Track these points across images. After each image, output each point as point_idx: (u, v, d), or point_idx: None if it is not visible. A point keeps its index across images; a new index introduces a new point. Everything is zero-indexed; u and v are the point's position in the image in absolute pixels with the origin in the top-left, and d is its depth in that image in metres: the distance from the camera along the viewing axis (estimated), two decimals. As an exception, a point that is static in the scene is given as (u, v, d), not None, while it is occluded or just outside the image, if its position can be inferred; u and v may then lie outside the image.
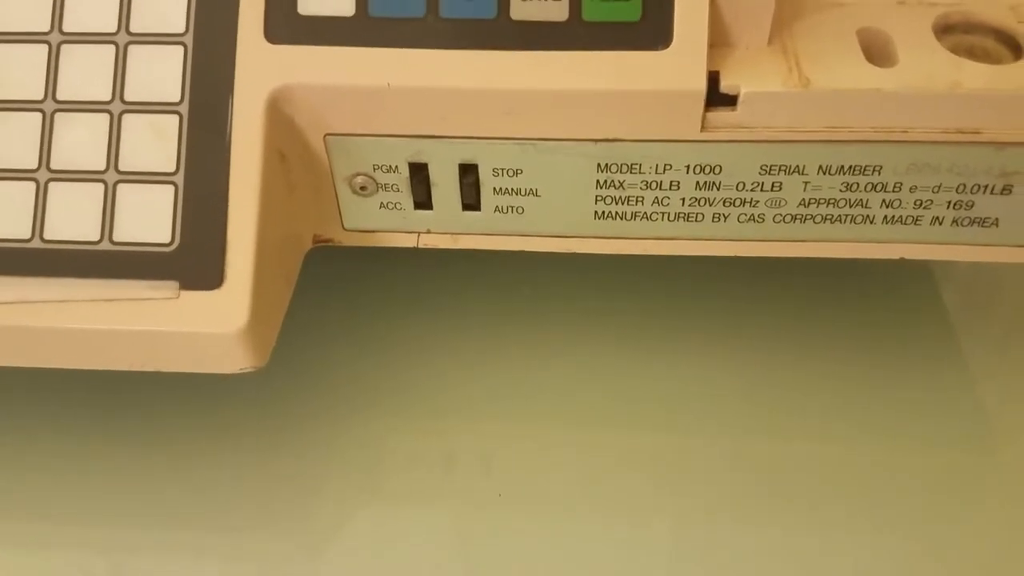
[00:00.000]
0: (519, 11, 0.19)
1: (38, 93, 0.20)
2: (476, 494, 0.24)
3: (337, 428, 0.25)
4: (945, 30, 0.21)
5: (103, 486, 0.24)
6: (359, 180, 0.21)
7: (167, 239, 0.19)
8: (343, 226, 0.22)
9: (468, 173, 0.21)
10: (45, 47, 0.20)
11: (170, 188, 0.19)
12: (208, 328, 0.19)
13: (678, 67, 0.19)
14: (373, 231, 0.23)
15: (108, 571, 0.22)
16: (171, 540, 0.23)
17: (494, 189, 0.21)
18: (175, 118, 0.20)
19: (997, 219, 0.21)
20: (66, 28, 0.20)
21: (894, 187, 0.21)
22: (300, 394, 0.26)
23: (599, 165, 0.21)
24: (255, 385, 0.25)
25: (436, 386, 0.26)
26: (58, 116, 0.20)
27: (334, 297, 0.28)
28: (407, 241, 0.23)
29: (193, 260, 0.19)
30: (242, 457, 0.24)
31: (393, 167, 0.21)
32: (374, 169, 0.21)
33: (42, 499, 0.24)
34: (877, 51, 0.20)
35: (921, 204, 0.21)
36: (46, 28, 0.20)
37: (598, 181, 0.21)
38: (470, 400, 0.26)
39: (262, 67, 0.20)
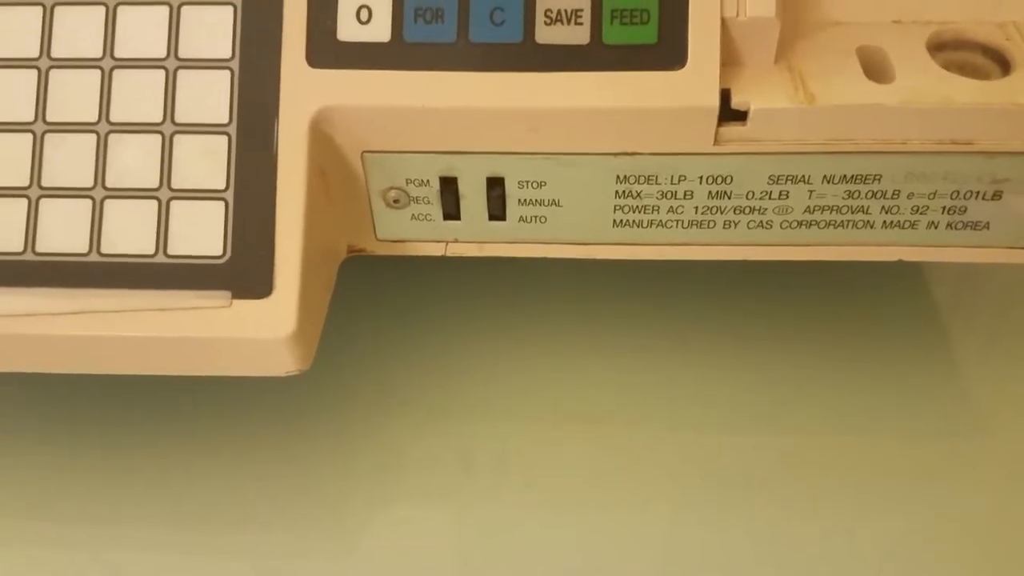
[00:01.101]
0: (543, 35, 0.21)
1: (93, 116, 0.21)
2: (494, 490, 0.24)
3: (360, 429, 0.26)
4: (938, 47, 0.22)
5: (130, 489, 0.25)
6: (392, 193, 0.23)
7: (219, 252, 0.21)
8: (376, 236, 0.24)
9: (495, 186, 0.22)
10: (98, 72, 0.21)
11: (221, 204, 0.21)
12: (259, 334, 0.20)
13: (692, 86, 0.20)
14: (404, 241, 0.24)
15: (138, 571, 0.23)
16: (200, 541, 0.24)
17: (519, 200, 0.23)
18: (224, 139, 0.21)
19: (988, 223, 0.22)
20: (118, 54, 0.21)
21: (893, 194, 0.22)
22: (323, 397, 0.26)
23: (618, 177, 0.22)
24: (280, 389, 0.26)
25: (454, 388, 0.27)
26: (112, 137, 0.21)
27: (354, 304, 0.28)
28: (435, 250, 0.24)
29: (244, 271, 0.20)
30: (268, 459, 0.25)
31: (425, 181, 0.22)
32: (407, 183, 0.22)
33: (73, 502, 0.24)
34: (875, 68, 0.21)
35: (918, 210, 0.22)
36: (99, 55, 0.21)
37: (617, 192, 0.22)
38: (487, 400, 0.26)
39: (305, 90, 0.21)
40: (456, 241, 0.24)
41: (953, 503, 0.24)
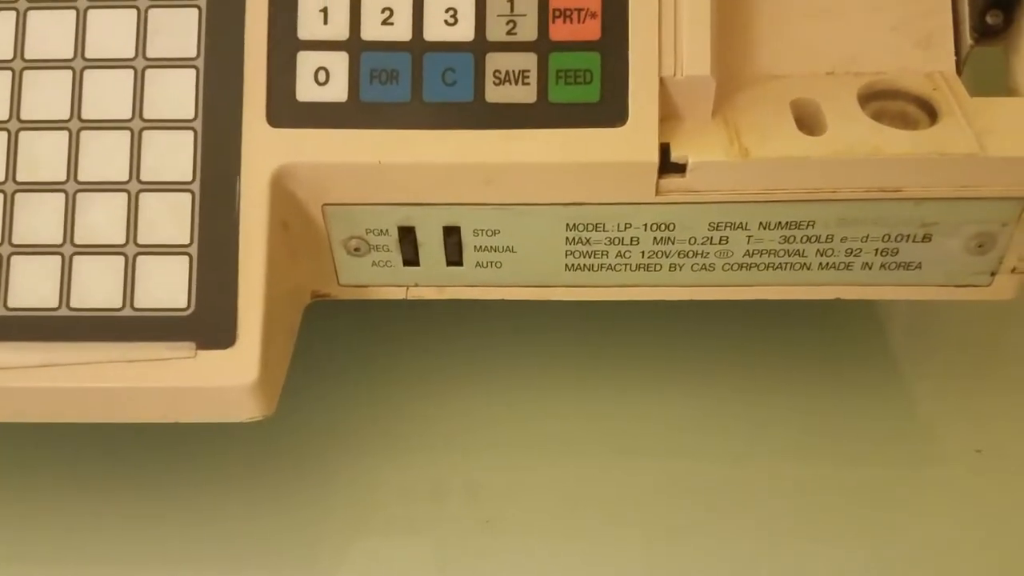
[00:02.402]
0: (493, 94, 0.22)
1: (61, 175, 0.22)
2: (464, 523, 0.25)
3: (333, 467, 0.26)
4: (869, 98, 0.23)
5: (111, 530, 0.25)
6: (353, 243, 0.24)
7: (184, 304, 0.22)
8: (339, 282, 0.25)
9: (451, 234, 0.23)
10: (66, 133, 0.22)
11: (185, 259, 0.22)
12: (223, 383, 0.21)
13: (633, 142, 0.21)
14: (366, 286, 0.25)
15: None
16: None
17: (475, 247, 0.24)
18: (188, 196, 0.22)
19: (920, 263, 0.24)
20: (85, 116, 0.22)
21: (827, 238, 0.23)
22: (296, 436, 0.27)
23: (568, 225, 0.23)
24: (254, 430, 0.26)
25: (422, 424, 0.27)
26: (80, 196, 0.22)
27: (324, 343, 0.29)
28: (397, 294, 0.25)
29: (208, 323, 0.21)
30: (243, 498, 0.26)
31: (384, 230, 0.23)
32: (367, 232, 0.23)
33: (54, 545, 0.25)
34: (808, 120, 0.22)
35: (852, 252, 0.23)
36: (66, 116, 0.22)
37: (567, 238, 0.23)
38: (458, 434, 0.27)
39: (266, 148, 0.22)
40: (416, 285, 0.25)
41: (908, 528, 0.25)
